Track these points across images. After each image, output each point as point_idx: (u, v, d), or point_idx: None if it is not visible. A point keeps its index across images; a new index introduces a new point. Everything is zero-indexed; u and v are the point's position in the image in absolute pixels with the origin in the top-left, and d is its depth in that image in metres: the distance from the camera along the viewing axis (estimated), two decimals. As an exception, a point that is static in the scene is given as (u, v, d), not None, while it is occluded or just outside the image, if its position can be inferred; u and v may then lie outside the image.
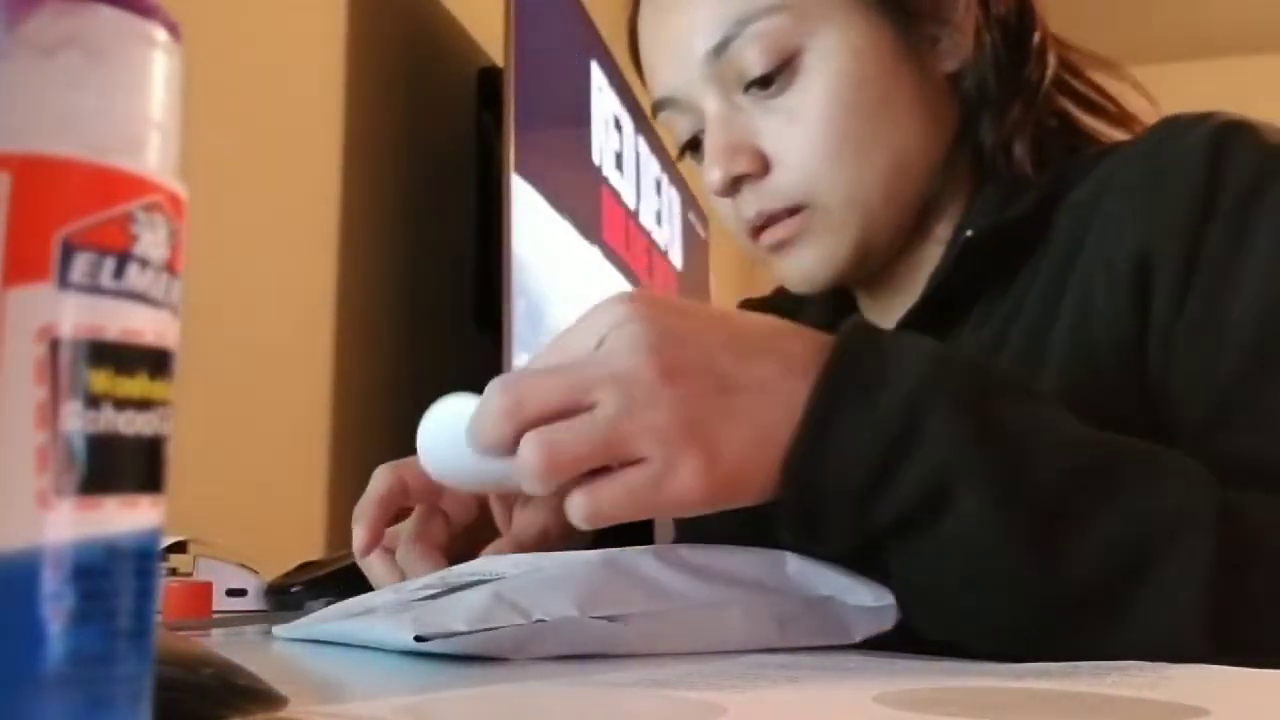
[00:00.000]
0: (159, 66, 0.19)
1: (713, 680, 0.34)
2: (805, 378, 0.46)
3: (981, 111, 0.68)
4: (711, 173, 0.67)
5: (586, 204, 1.69)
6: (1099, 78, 0.72)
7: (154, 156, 0.19)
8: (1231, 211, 0.56)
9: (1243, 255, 0.55)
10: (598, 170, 1.76)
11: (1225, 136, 0.58)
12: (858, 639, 0.48)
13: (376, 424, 1.41)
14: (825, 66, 0.65)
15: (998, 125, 0.67)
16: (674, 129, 0.72)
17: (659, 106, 0.72)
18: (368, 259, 1.43)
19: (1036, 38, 0.69)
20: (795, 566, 0.49)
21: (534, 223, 1.53)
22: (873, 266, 0.70)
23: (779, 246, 0.68)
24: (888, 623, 0.48)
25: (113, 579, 0.18)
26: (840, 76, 0.65)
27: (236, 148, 1.18)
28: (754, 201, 0.67)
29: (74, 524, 0.17)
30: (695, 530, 0.55)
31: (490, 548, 0.60)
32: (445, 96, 1.65)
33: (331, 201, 1.37)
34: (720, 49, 0.66)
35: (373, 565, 0.64)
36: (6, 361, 0.17)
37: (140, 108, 0.19)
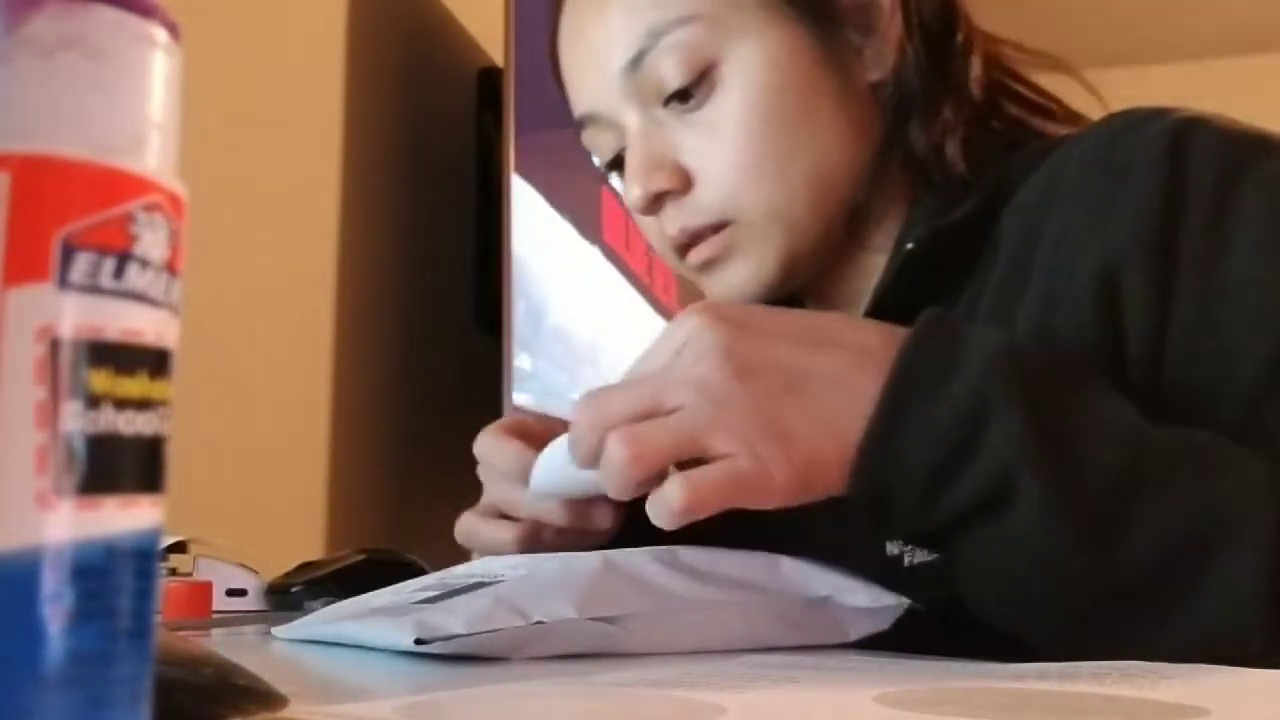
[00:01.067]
0: (159, 66, 0.19)
1: (713, 680, 0.34)
2: (878, 370, 0.46)
3: (909, 117, 0.66)
4: (632, 190, 0.66)
5: (586, 204, 1.69)
6: (1041, 78, 0.70)
7: (154, 156, 0.19)
8: (1204, 210, 0.53)
9: (1227, 253, 0.52)
10: (598, 170, 1.76)
11: (1184, 133, 0.55)
12: (854, 638, 0.48)
13: (377, 424, 1.41)
14: (743, 78, 0.63)
15: (927, 129, 0.65)
16: (597, 147, 0.70)
17: (581, 124, 0.70)
18: (367, 259, 1.43)
19: (960, 37, 0.67)
20: (791, 567, 0.49)
21: (534, 223, 1.53)
22: (801, 280, 0.68)
23: (705, 265, 0.67)
24: (884, 623, 0.48)
25: (113, 579, 0.18)
26: (758, 88, 0.63)
27: (236, 148, 1.18)
28: (677, 218, 0.66)
29: (74, 524, 0.17)
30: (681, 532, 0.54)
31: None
32: (445, 96, 1.65)
33: (331, 201, 1.37)
34: (636, 62, 0.64)
35: (478, 531, 0.65)
36: (6, 361, 0.17)
37: (140, 108, 0.19)
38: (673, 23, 0.63)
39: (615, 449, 0.46)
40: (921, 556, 0.54)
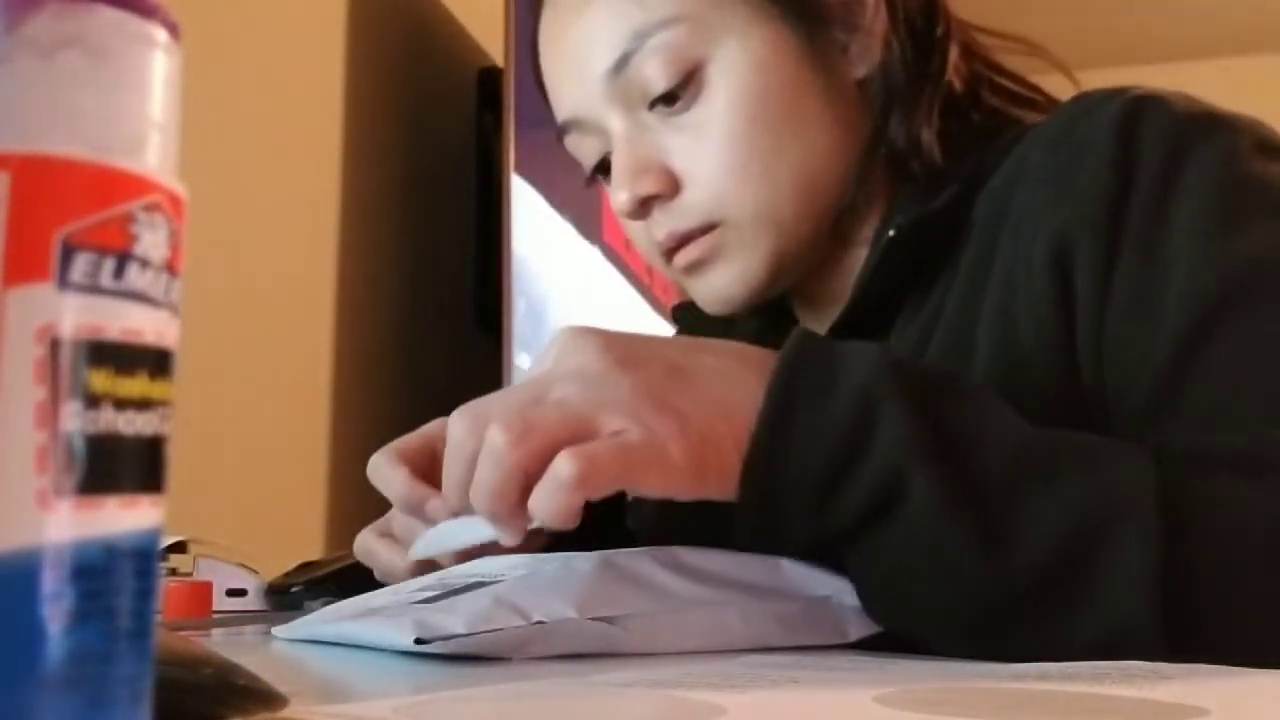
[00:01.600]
0: (159, 66, 0.19)
1: (713, 680, 0.34)
2: (760, 373, 0.46)
3: (891, 112, 0.65)
4: (619, 195, 0.65)
5: (586, 204, 1.69)
6: (1021, 67, 0.70)
7: (154, 156, 0.19)
8: (1149, 186, 0.54)
9: (1165, 230, 0.53)
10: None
11: (1136, 110, 0.56)
12: (854, 638, 0.48)
13: (376, 424, 1.41)
14: (729, 79, 0.63)
15: (907, 122, 0.65)
16: (581, 153, 0.69)
17: (564, 130, 0.69)
18: (368, 259, 1.43)
19: (940, 30, 0.66)
20: (791, 567, 0.50)
21: (534, 223, 1.53)
22: (788, 282, 0.68)
23: (692, 267, 0.66)
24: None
25: (113, 579, 0.18)
26: (745, 89, 0.62)
27: (236, 148, 1.18)
28: (664, 222, 0.65)
29: (74, 524, 0.17)
30: (661, 536, 0.54)
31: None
32: (445, 96, 1.65)
33: (331, 201, 1.37)
34: (620, 66, 0.63)
35: (377, 551, 0.64)
36: (6, 361, 0.17)
37: (140, 108, 0.19)
38: (657, 24, 0.62)
39: (494, 435, 0.44)
40: (850, 600, 0.51)
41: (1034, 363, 0.56)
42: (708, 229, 0.64)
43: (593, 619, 0.45)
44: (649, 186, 0.64)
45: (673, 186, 0.64)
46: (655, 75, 0.63)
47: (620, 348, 0.47)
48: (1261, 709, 0.31)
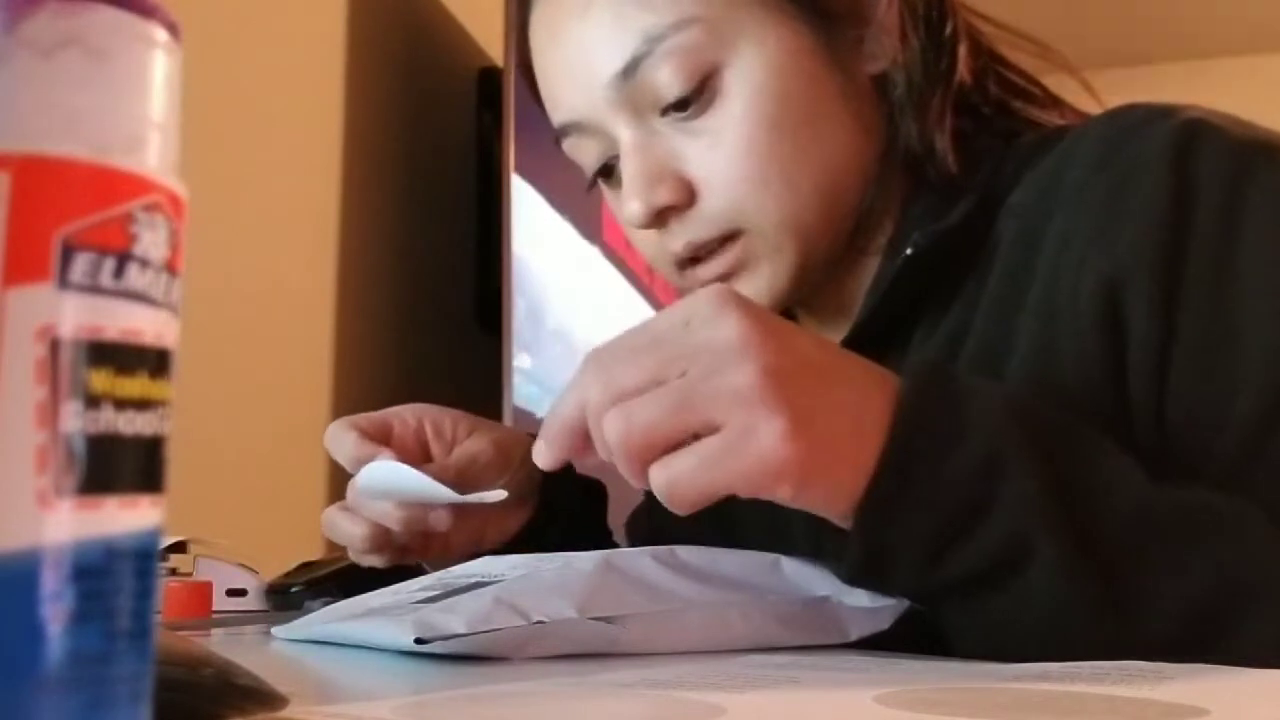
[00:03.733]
0: (159, 66, 0.19)
1: (713, 680, 0.34)
2: (888, 401, 0.44)
3: (906, 110, 0.63)
4: (631, 205, 0.62)
5: (586, 204, 1.69)
6: (1025, 62, 0.68)
7: (154, 156, 0.19)
8: (1209, 223, 0.51)
9: (1231, 270, 0.50)
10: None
11: (1190, 137, 0.53)
12: (854, 638, 0.48)
13: (376, 424, 1.41)
14: (747, 84, 0.60)
15: (920, 123, 0.62)
16: (581, 156, 0.66)
17: (563, 132, 0.66)
18: (368, 259, 1.43)
19: (950, 26, 0.64)
20: (792, 567, 0.49)
21: (534, 223, 1.53)
22: (808, 291, 0.65)
23: (718, 281, 0.63)
24: (884, 623, 0.48)
25: (113, 579, 0.18)
26: (764, 94, 0.60)
27: (236, 148, 1.18)
28: (681, 233, 0.62)
29: (74, 524, 0.17)
30: (658, 538, 0.54)
31: (425, 467, 0.62)
32: (445, 96, 1.65)
33: (331, 201, 1.37)
34: (630, 71, 0.60)
35: (338, 522, 0.65)
36: (6, 361, 0.17)
37: (140, 108, 0.19)
38: (670, 27, 0.59)
39: (606, 421, 0.43)
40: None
41: (1076, 396, 0.53)
42: (727, 238, 0.62)
43: (593, 619, 0.45)
44: (665, 197, 0.61)
45: (689, 195, 0.62)
46: (668, 81, 0.60)
47: (760, 324, 0.44)
48: (1261, 709, 0.31)
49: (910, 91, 0.63)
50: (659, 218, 0.62)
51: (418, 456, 0.68)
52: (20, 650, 0.17)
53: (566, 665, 0.42)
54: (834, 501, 0.45)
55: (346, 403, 1.35)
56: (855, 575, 0.47)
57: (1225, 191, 0.51)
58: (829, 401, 0.44)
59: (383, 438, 0.67)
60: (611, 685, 0.35)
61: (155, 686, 0.19)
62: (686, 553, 0.50)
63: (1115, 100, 0.62)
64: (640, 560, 0.49)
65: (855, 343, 0.63)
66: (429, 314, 1.58)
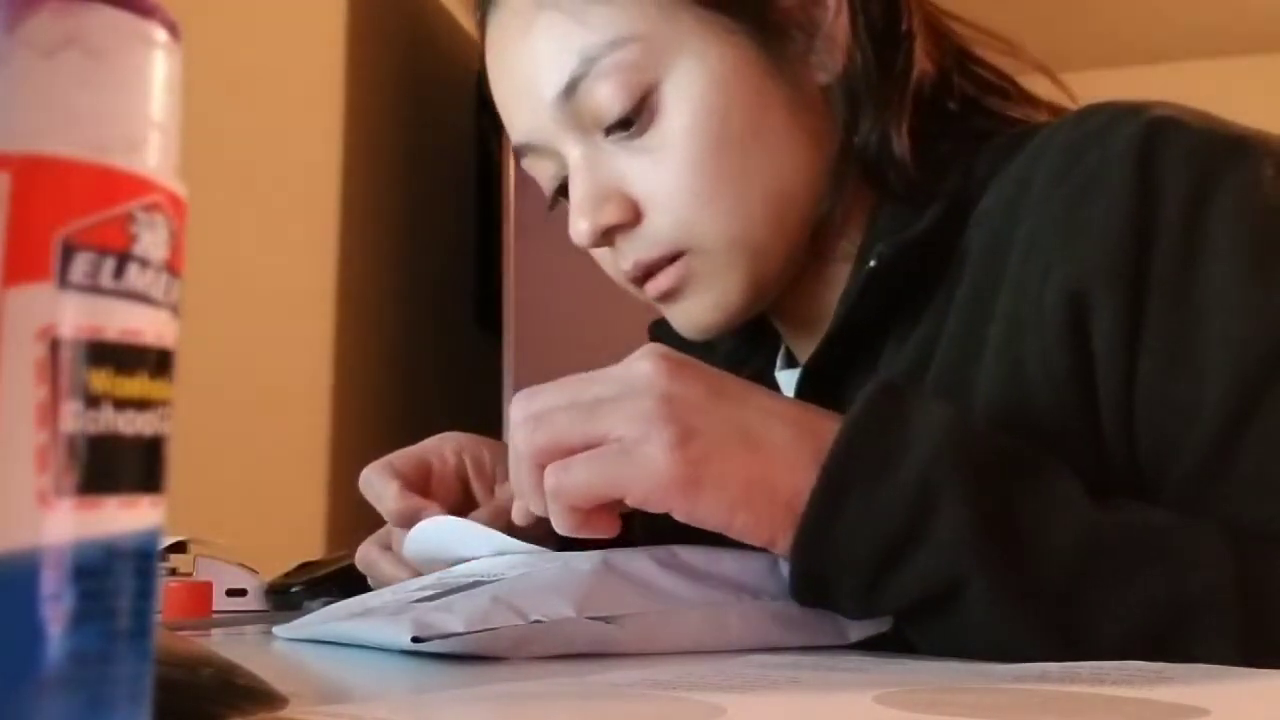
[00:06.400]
0: (159, 66, 0.19)
1: (713, 680, 0.34)
2: (821, 435, 0.46)
3: (859, 118, 0.61)
4: (579, 224, 0.61)
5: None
6: (1001, 62, 0.67)
7: (154, 156, 0.19)
8: (1173, 229, 0.50)
9: (1196, 276, 0.49)
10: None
11: (1153, 141, 0.51)
12: (854, 639, 0.48)
13: (376, 424, 1.41)
14: (687, 100, 0.59)
15: (877, 128, 0.61)
16: (539, 176, 0.66)
17: (519, 153, 0.66)
18: (367, 259, 1.43)
19: (904, 24, 0.62)
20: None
21: (534, 222, 1.53)
22: (766, 303, 0.65)
23: (665, 297, 0.63)
24: (885, 625, 0.48)
25: (113, 579, 0.18)
26: (704, 110, 0.59)
27: (236, 148, 1.18)
28: (629, 252, 0.62)
29: (74, 524, 0.17)
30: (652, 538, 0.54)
31: (473, 515, 0.62)
32: (445, 96, 1.65)
33: (331, 201, 1.37)
34: (570, 91, 0.59)
35: (378, 563, 0.64)
36: (6, 361, 0.17)
37: (140, 108, 0.19)
38: (606, 45, 0.59)
39: (515, 431, 0.48)
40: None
41: (1044, 408, 0.52)
42: (676, 256, 0.61)
43: (591, 618, 0.45)
44: (610, 216, 0.61)
45: (635, 214, 0.61)
46: (607, 100, 0.59)
47: (680, 366, 0.47)
48: (1261, 709, 0.31)
49: (863, 98, 0.61)
50: (606, 237, 0.62)
51: (459, 498, 0.67)
52: (20, 650, 0.17)
53: (566, 665, 0.42)
54: (754, 529, 0.46)
55: (347, 402, 1.35)
56: (799, 599, 0.47)
57: (1189, 199, 0.50)
58: (722, 419, 0.46)
59: (422, 479, 0.66)
60: (612, 685, 0.35)
61: (155, 686, 0.19)
62: (686, 553, 0.50)
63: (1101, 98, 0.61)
64: (639, 560, 0.49)
65: (827, 354, 0.63)
66: (429, 314, 1.58)
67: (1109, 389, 0.51)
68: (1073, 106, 0.62)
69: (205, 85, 1.08)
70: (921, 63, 0.63)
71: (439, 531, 0.59)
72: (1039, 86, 0.67)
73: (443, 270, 1.61)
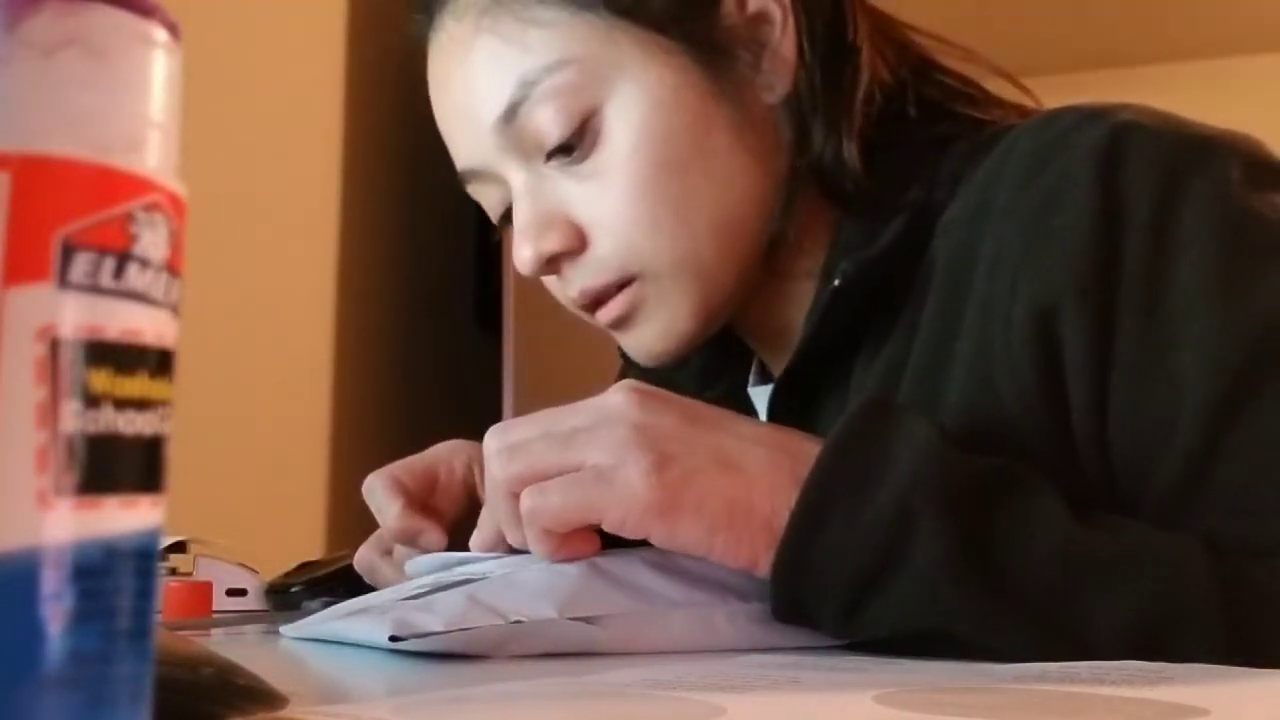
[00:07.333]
0: (159, 66, 0.19)
1: (712, 680, 0.34)
2: (800, 457, 0.46)
3: (809, 134, 0.60)
4: (522, 251, 0.60)
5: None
6: (960, 66, 0.65)
7: (154, 156, 0.19)
8: (1141, 239, 0.49)
9: (1167, 286, 0.48)
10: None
11: (1117, 148, 0.50)
12: (847, 641, 0.48)
13: (376, 424, 1.41)
14: (628, 124, 0.58)
15: (829, 142, 0.60)
16: (485, 202, 0.65)
17: (463, 179, 0.65)
18: (367, 258, 1.43)
19: (850, 36, 0.61)
20: None
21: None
22: (720, 325, 0.64)
23: (615, 324, 0.62)
24: None
25: (112, 579, 0.18)
26: (646, 133, 0.57)
27: (236, 148, 1.18)
28: (575, 280, 0.61)
29: (74, 524, 0.17)
30: None
31: (471, 540, 0.61)
32: (445, 97, 1.65)
33: (331, 201, 1.37)
34: (509, 116, 0.58)
35: (379, 568, 0.64)
36: (6, 361, 0.17)
37: (140, 108, 0.19)
38: (544, 69, 0.57)
39: (490, 461, 0.48)
40: None
41: (1014, 423, 0.51)
42: (624, 284, 0.60)
43: (572, 619, 0.45)
44: (553, 244, 0.60)
45: (579, 241, 0.60)
46: (547, 125, 0.58)
47: (652, 398, 0.48)
48: (1261, 709, 0.31)
49: (810, 116, 0.60)
50: (551, 264, 0.61)
51: (465, 509, 0.67)
52: (20, 650, 0.17)
53: (566, 665, 0.42)
54: (734, 551, 0.46)
55: (347, 402, 1.35)
56: (781, 620, 0.47)
57: (1155, 207, 0.49)
58: (699, 444, 0.47)
59: (427, 490, 0.66)
60: (613, 686, 0.35)
61: (155, 686, 0.19)
62: (677, 554, 0.49)
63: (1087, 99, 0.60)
64: (628, 561, 0.48)
65: (796, 372, 0.62)
66: (429, 314, 1.58)
67: (1081, 403, 0.50)
68: (1038, 109, 0.62)
69: (205, 85, 1.08)
70: (878, 72, 0.61)
71: (433, 565, 0.58)
72: (1006, 91, 0.66)
73: (443, 270, 1.61)
